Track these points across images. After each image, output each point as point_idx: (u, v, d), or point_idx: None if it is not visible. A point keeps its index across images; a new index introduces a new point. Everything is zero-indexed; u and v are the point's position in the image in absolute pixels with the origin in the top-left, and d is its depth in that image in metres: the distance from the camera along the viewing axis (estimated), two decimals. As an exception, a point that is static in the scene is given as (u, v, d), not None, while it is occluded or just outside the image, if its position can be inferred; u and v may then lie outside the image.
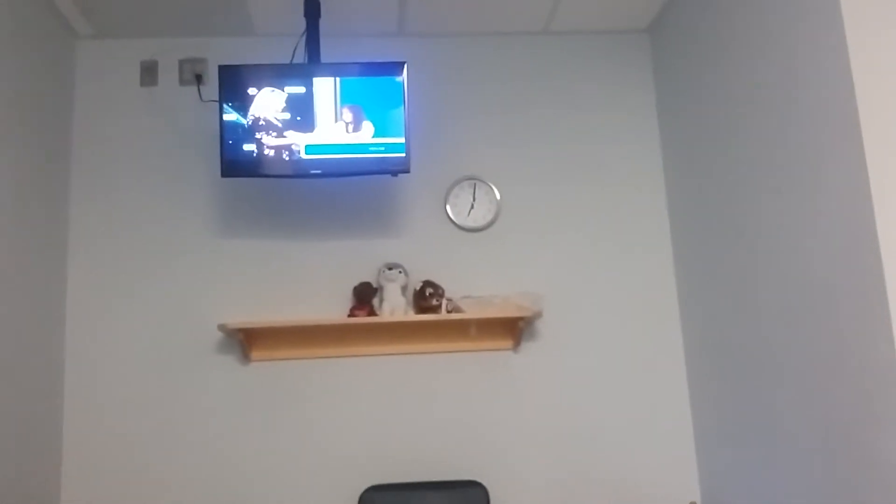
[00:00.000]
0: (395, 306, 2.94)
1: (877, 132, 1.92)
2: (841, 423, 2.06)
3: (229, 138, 2.74)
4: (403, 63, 2.82)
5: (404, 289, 2.99)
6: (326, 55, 2.96)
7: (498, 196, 3.17)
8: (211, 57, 3.16)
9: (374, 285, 3.01)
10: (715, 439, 2.87)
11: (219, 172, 2.78)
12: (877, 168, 1.91)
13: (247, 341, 2.93)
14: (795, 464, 2.30)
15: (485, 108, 3.24)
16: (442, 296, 2.99)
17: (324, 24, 2.93)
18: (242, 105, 2.75)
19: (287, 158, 2.74)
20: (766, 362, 2.46)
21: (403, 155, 2.78)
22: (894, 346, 1.84)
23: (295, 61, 2.95)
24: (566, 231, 3.18)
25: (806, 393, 2.23)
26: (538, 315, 2.96)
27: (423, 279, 3.01)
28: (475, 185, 3.17)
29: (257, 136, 2.74)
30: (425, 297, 2.96)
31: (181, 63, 3.17)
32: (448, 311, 2.96)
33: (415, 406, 3.01)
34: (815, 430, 2.18)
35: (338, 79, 2.78)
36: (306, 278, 3.06)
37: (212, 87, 3.08)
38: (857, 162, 1.94)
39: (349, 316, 2.96)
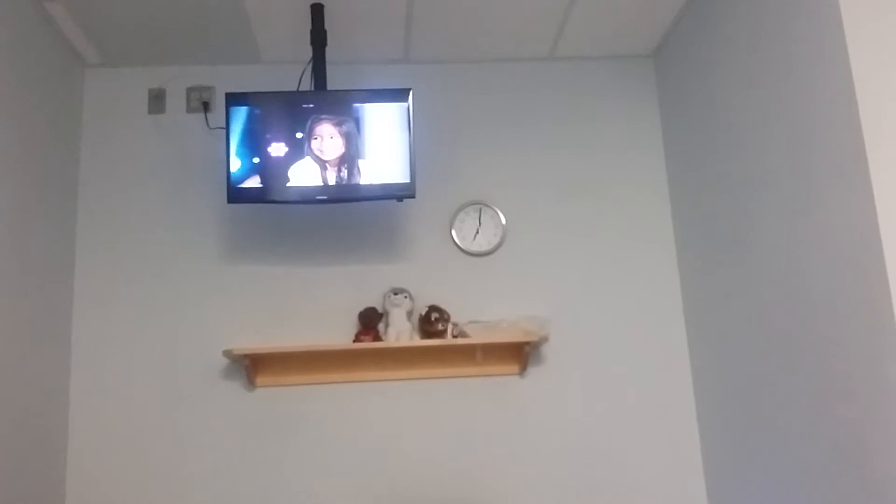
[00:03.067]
0: (400, 331, 2.93)
1: (881, 149, 1.92)
2: (848, 441, 2.05)
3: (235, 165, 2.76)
4: (409, 89, 2.83)
5: (410, 314, 2.99)
6: (332, 82, 2.98)
7: (503, 220, 3.17)
8: (218, 85, 3.19)
9: (380, 310, 3.00)
10: (724, 465, 2.84)
11: (225, 199, 2.79)
12: (881, 185, 1.90)
13: (252, 367, 2.93)
14: (803, 482, 2.28)
15: (490, 134, 3.25)
16: (448, 321, 2.98)
17: (330, 51, 2.95)
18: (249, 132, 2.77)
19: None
20: (773, 381, 2.44)
21: (409, 181, 2.78)
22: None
23: (301, 88, 2.97)
24: (572, 255, 3.17)
25: (813, 411, 2.21)
26: (544, 339, 2.95)
27: (429, 304, 3.01)
28: (480, 209, 3.18)
29: (263, 162, 2.76)
30: (431, 321, 2.96)
31: (189, 91, 3.20)
32: (454, 336, 2.96)
33: (420, 431, 3.00)
34: (823, 448, 2.16)
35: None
36: (312, 304, 3.06)
37: (219, 114, 3.10)
38: (862, 179, 1.94)
39: (354, 341, 2.96)
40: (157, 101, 3.20)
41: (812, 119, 2.16)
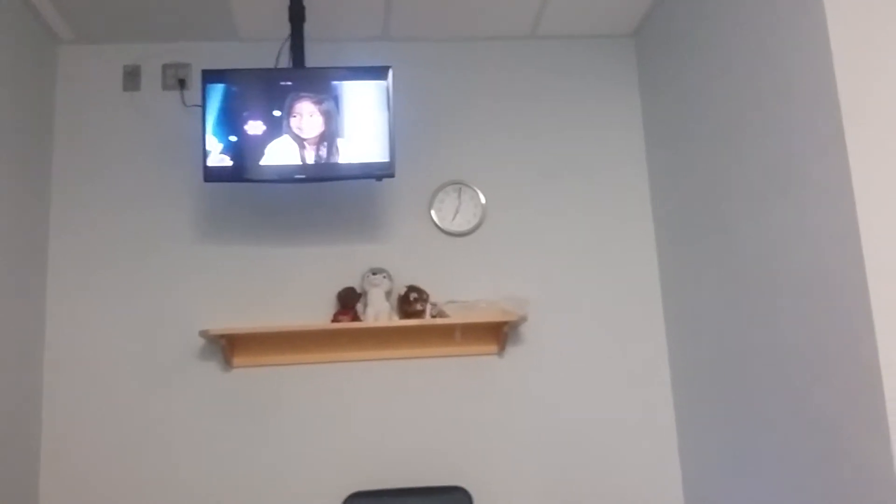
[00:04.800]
0: (379, 311, 2.92)
1: (860, 134, 1.92)
2: (825, 426, 2.06)
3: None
4: (388, 67, 2.81)
5: (389, 294, 2.98)
6: (311, 59, 2.95)
7: (483, 200, 3.16)
8: (194, 62, 3.15)
9: (359, 290, 2.99)
10: (699, 443, 2.86)
11: (201, 178, 2.76)
12: (860, 170, 1.91)
13: (229, 347, 2.91)
14: (779, 466, 2.30)
15: (470, 113, 3.23)
16: (426, 301, 2.97)
17: (308, 28, 2.92)
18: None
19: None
20: (750, 365, 2.46)
21: (388, 160, 2.76)
22: (877, 347, 1.84)
23: (279, 66, 2.93)
24: (551, 235, 3.17)
25: (790, 396, 2.23)
26: (523, 319, 2.95)
27: (408, 284, 3.00)
28: (460, 189, 3.16)
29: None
30: (410, 301, 2.95)
31: (164, 68, 3.15)
32: (433, 316, 2.95)
33: (399, 412, 3.00)
34: (801, 432, 2.18)
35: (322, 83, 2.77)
36: (290, 284, 3.04)
37: (195, 91, 3.07)
38: (841, 164, 1.94)
39: (333, 321, 2.95)
40: (132, 78, 3.15)
41: (791, 101, 2.16)
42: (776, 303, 2.28)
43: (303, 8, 2.88)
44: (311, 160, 2.73)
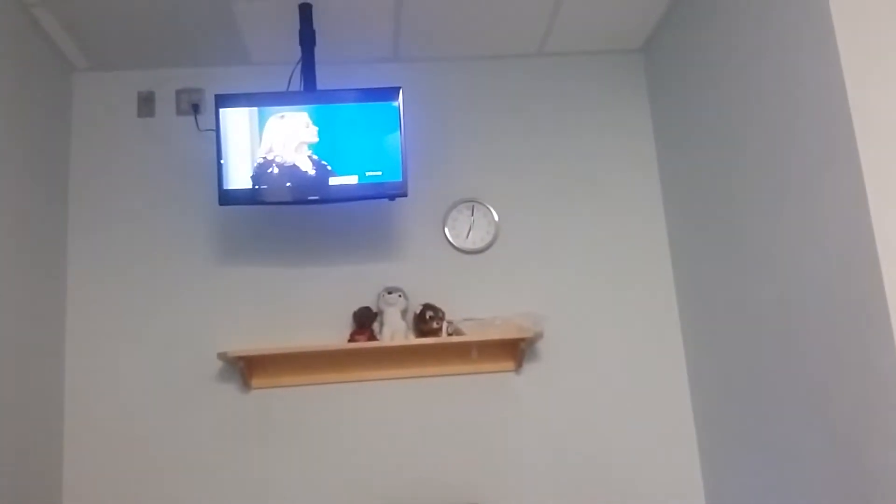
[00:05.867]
0: (395, 330, 2.93)
1: (872, 143, 1.92)
2: (845, 434, 2.04)
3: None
4: (399, 88, 2.83)
5: (404, 312, 2.98)
6: (322, 82, 2.96)
7: (496, 217, 3.17)
8: (207, 87, 3.18)
9: (374, 310, 3.00)
10: (720, 458, 2.84)
11: (217, 201, 2.78)
12: (873, 179, 1.90)
13: (247, 369, 2.92)
14: (801, 479, 2.28)
15: (481, 131, 3.25)
16: (442, 319, 2.98)
17: (319, 51, 2.94)
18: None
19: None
20: (768, 374, 2.44)
21: (401, 179, 2.78)
22: (895, 355, 1.83)
23: (291, 89, 2.96)
24: (565, 251, 3.17)
25: (810, 407, 2.21)
26: (539, 336, 2.94)
27: (424, 302, 3.00)
28: (473, 207, 3.17)
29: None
30: (426, 320, 2.95)
31: (178, 93, 3.19)
32: (449, 334, 2.95)
33: (416, 430, 2.99)
34: (820, 442, 2.16)
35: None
36: (306, 304, 3.05)
37: (209, 116, 3.09)
38: (854, 175, 1.93)
39: (349, 341, 2.95)
40: (146, 104, 3.18)
41: (802, 110, 2.16)
42: (794, 315, 2.27)
43: (313, 32, 2.91)
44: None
